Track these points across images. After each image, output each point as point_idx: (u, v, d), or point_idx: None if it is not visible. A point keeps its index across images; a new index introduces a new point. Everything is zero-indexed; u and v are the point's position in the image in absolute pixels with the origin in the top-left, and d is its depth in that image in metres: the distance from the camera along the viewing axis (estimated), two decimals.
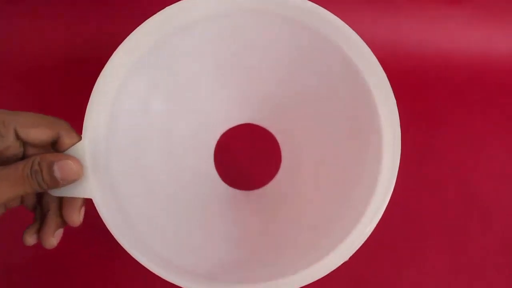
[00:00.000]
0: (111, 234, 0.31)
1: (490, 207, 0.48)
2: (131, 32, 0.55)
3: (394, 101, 0.36)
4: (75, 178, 0.32)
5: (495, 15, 0.60)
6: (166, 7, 0.38)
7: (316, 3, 0.61)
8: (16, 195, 0.30)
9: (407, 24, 0.60)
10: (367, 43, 0.46)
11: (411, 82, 0.59)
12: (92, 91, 0.36)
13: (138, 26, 0.45)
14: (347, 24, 0.47)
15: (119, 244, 0.31)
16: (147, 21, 0.38)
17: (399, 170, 0.50)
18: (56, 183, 0.31)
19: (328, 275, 0.42)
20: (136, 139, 0.39)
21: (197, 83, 0.43)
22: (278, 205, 0.42)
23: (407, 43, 0.61)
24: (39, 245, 0.33)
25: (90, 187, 0.32)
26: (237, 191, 0.44)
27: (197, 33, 0.41)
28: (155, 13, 0.60)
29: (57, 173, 0.31)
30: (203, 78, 0.43)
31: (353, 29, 0.44)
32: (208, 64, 0.43)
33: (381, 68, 0.37)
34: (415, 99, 0.57)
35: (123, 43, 0.37)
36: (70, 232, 0.44)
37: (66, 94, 0.56)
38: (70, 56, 0.58)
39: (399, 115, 0.55)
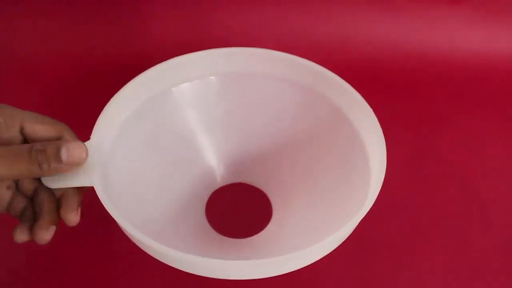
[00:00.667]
0: (108, 230, 0.31)
1: (490, 207, 0.48)
2: (131, 32, 0.55)
3: (385, 163, 0.36)
4: (79, 162, 0.32)
5: (495, 15, 0.60)
6: (169, 59, 0.42)
7: (316, 5, 0.61)
8: (12, 173, 0.30)
9: (407, 24, 0.60)
10: (367, 43, 0.46)
11: (411, 82, 0.59)
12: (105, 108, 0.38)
13: (137, 26, 0.45)
14: (347, 23, 0.47)
15: (118, 240, 0.31)
16: (147, 71, 0.41)
17: (399, 169, 0.50)
18: (59, 164, 0.31)
19: (328, 274, 0.43)
20: (135, 173, 0.40)
21: (190, 139, 0.45)
22: (267, 252, 0.43)
23: (407, 43, 0.61)
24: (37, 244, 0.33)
25: (92, 178, 0.33)
26: (226, 238, 0.44)
27: (193, 89, 0.44)
28: (154, 13, 0.61)
29: (64, 154, 0.31)
30: (198, 135, 0.45)
31: (353, 29, 0.45)
32: (203, 121, 0.45)
33: (378, 124, 0.38)
34: (415, 99, 0.57)
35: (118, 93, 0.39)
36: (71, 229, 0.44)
37: (66, 93, 0.56)
38: (70, 56, 0.58)
39: (399, 114, 0.55)
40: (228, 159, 0.47)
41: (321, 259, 0.36)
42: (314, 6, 0.60)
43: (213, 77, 0.44)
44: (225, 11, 0.59)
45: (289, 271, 0.33)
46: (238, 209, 0.46)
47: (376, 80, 0.58)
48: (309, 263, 0.33)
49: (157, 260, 0.33)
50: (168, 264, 0.33)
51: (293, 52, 0.43)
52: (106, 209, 0.32)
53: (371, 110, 0.39)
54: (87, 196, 0.35)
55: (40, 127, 0.33)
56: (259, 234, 0.44)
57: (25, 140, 0.33)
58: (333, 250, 0.35)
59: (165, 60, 0.42)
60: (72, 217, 0.33)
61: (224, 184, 0.47)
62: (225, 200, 0.46)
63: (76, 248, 0.43)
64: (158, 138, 0.43)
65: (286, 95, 0.44)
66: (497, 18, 0.60)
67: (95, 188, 0.33)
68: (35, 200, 0.34)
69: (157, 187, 0.42)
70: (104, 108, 0.38)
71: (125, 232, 0.33)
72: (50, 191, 0.34)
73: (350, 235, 0.35)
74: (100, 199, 0.32)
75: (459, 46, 0.61)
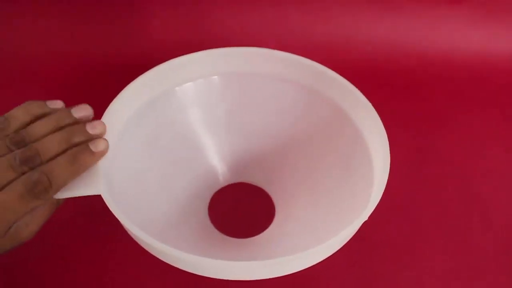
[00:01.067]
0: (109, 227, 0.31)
1: (490, 207, 0.48)
2: (131, 32, 0.55)
3: (388, 158, 0.36)
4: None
5: (495, 15, 0.60)
6: (171, 59, 0.42)
7: (316, 5, 0.61)
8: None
9: (407, 24, 0.61)
10: (367, 43, 0.46)
11: (411, 82, 0.59)
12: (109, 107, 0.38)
13: (137, 26, 0.45)
14: (347, 23, 0.47)
15: (120, 240, 0.31)
16: (149, 71, 0.41)
17: (399, 169, 0.50)
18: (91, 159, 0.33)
19: (328, 274, 0.43)
20: (137, 173, 0.41)
21: (192, 139, 0.45)
22: (270, 252, 0.42)
23: (407, 43, 0.61)
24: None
25: (100, 187, 0.33)
26: (229, 238, 0.44)
27: (195, 89, 0.43)
28: (154, 13, 0.61)
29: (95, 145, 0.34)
30: (199, 135, 0.45)
31: (353, 29, 0.45)
32: (199, 124, 0.45)
33: (380, 122, 0.39)
34: (415, 99, 0.57)
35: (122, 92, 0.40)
36: (75, 225, 0.44)
37: (66, 93, 0.56)
38: (70, 56, 0.58)
39: (399, 114, 0.55)
40: (230, 159, 0.47)
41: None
42: (314, 6, 0.60)
43: (215, 76, 0.44)
44: (225, 11, 0.59)
45: (292, 272, 0.33)
46: (240, 209, 0.46)
47: (376, 80, 0.58)
48: (311, 264, 0.34)
49: (159, 259, 0.33)
50: (172, 264, 0.33)
51: (293, 52, 0.43)
52: (112, 211, 0.32)
53: (373, 110, 0.39)
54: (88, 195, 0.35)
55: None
56: (261, 234, 0.44)
57: None
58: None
59: (165, 60, 0.42)
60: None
61: (227, 184, 0.47)
62: (228, 200, 0.46)
63: (78, 248, 0.43)
64: (160, 138, 0.43)
65: (289, 95, 0.44)
66: (497, 18, 0.60)
67: (102, 195, 0.33)
68: None
69: (159, 187, 0.42)
70: (107, 109, 0.38)
71: (129, 233, 0.33)
72: None
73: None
74: (106, 202, 0.32)
75: (459, 46, 0.61)
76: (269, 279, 0.33)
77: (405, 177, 0.49)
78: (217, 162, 0.46)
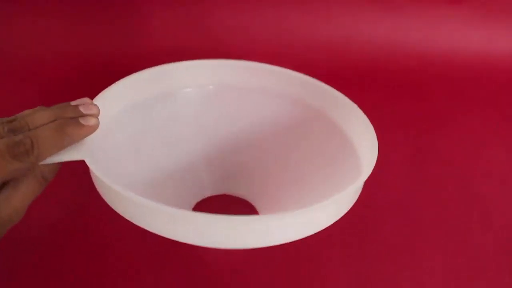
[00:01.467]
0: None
1: (490, 207, 0.48)
2: (130, 33, 0.55)
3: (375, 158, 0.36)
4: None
5: (495, 15, 0.60)
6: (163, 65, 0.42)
7: (316, 5, 0.61)
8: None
9: (407, 24, 0.61)
10: (367, 43, 0.46)
11: (411, 82, 0.59)
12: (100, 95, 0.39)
13: (137, 26, 0.44)
14: (348, 23, 0.47)
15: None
16: (134, 75, 0.41)
17: (399, 169, 0.50)
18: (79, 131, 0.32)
19: (328, 273, 0.43)
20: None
21: (176, 148, 0.45)
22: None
23: (407, 43, 0.61)
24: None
25: (83, 152, 0.33)
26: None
27: (183, 97, 0.44)
28: (154, 13, 0.61)
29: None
30: (183, 142, 0.45)
31: (354, 30, 0.45)
32: (189, 130, 0.45)
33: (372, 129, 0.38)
34: (415, 99, 0.57)
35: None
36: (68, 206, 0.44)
37: (66, 93, 0.56)
38: (70, 56, 0.58)
39: (399, 114, 0.55)
40: (216, 169, 0.47)
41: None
42: (314, 6, 0.60)
43: (211, 87, 0.44)
44: (225, 12, 0.59)
45: (276, 243, 0.31)
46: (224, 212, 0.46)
47: (376, 80, 0.58)
48: (296, 238, 0.32)
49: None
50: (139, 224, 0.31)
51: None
52: (93, 172, 0.32)
53: (365, 116, 0.39)
54: (83, 192, 0.35)
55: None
56: None
57: None
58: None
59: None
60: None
61: (210, 194, 0.47)
62: (211, 211, 0.46)
63: (75, 242, 0.44)
64: (146, 143, 0.43)
65: (279, 108, 0.44)
66: (497, 18, 0.60)
67: (86, 161, 0.32)
68: None
69: (141, 192, 0.42)
70: (98, 96, 0.38)
71: (110, 197, 0.32)
72: None
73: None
74: (89, 166, 0.32)
75: (459, 46, 0.61)
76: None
77: (405, 177, 0.49)
78: (202, 172, 0.46)
